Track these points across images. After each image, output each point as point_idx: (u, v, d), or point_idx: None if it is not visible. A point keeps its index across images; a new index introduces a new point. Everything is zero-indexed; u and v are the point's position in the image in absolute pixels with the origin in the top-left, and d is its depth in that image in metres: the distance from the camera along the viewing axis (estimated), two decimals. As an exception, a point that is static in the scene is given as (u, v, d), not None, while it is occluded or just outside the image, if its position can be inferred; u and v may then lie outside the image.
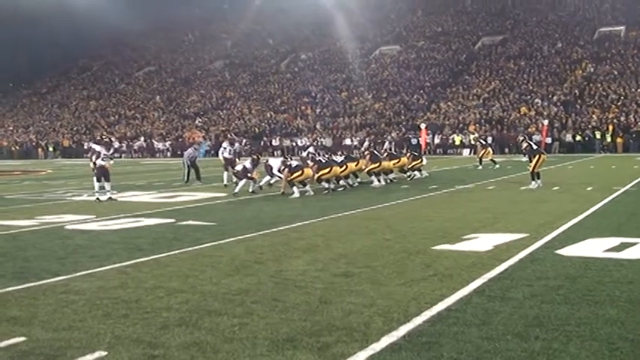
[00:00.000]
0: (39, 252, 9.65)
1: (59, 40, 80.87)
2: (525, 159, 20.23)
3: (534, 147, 19.89)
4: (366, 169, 21.02)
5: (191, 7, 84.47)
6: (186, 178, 23.81)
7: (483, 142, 32.78)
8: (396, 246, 9.35)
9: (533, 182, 18.52)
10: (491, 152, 31.23)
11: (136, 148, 60.89)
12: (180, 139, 58.89)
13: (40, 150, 64.87)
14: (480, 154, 30.36)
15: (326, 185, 19.01)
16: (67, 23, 78.39)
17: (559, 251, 8.64)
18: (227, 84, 72.19)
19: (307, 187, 18.39)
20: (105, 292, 6.83)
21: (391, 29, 73.23)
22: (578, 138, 45.32)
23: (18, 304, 6.39)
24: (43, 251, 9.71)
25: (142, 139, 62.43)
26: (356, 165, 20.73)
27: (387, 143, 25.90)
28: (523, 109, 49.91)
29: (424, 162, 24.47)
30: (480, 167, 28.66)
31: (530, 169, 18.78)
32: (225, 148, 22.36)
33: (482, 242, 9.47)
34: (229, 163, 21.51)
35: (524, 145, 19.72)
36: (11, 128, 73.06)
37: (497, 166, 28.47)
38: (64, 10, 76.21)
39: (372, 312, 5.80)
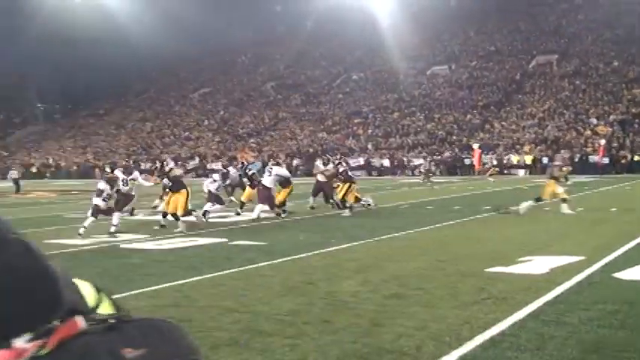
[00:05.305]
0: (95, 270, 9.82)
1: (116, 64, 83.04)
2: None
3: None
4: None
5: (245, 29, 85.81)
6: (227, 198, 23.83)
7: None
8: (449, 268, 9.23)
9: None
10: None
11: (190, 167, 61.77)
12: (234, 160, 59.59)
13: (97, 170, 66.33)
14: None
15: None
16: (124, 47, 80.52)
17: (617, 274, 8.41)
18: (279, 105, 72.83)
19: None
20: (158, 311, 6.90)
21: (443, 49, 73.00)
22: (636, 158, 44.26)
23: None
24: (99, 270, 9.89)
25: (197, 159, 63.33)
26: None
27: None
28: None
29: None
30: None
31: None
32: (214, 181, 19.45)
33: (538, 265, 9.28)
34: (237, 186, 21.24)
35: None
36: (70, 148, 74.93)
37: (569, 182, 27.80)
38: (121, 34, 78.35)
39: (424, 335, 5.73)
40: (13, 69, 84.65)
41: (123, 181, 15.71)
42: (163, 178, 16.40)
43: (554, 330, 5.84)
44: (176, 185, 15.70)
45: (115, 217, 14.53)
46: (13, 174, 39.56)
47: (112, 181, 14.98)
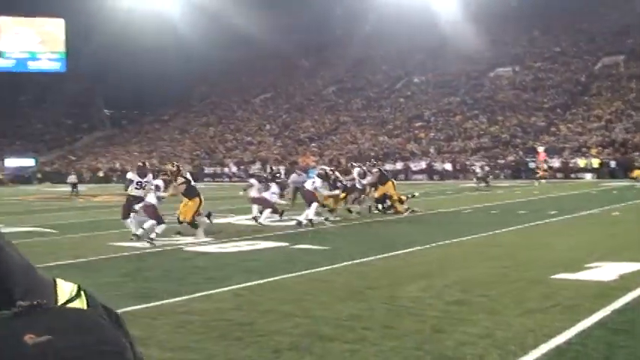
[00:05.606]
0: (159, 273, 9.99)
1: (180, 71, 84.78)
2: None
3: None
4: None
5: (305, 34, 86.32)
6: (291, 203, 23.86)
7: None
8: (514, 274, 9.05)
9: None
10: None
11: (251, 172, 62.37)
12: (295, 164, 59.97)
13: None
14: None
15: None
16: (187, 55, 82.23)
17: (691, 282, 8.10)
18: (340, 109, 72.92)
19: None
20: (221, 314, 6.97)
21: (506, 51, 71.89)
22: None
23: (137, 324, 6.53)
24: (163, 272, 10.05)
25: (259, 163, 63.97)
26: None
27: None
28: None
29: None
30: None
31: None
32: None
33: (606, 271, 9.01)
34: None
35: None
36: (136, 153, 76.63)
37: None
38: (184, 42, 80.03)
39: (487, 343, 5.61)
40: (83, 77, 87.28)
41: (138, 183, 14.86)
42: (176, 181, 15.22)
43: (623, 339, 5.65)
44: (189, 192, 15.12)
45: (148, 223, 13.89)
46: (72, 178, 41.51)
47: (167, 181, 14.84)
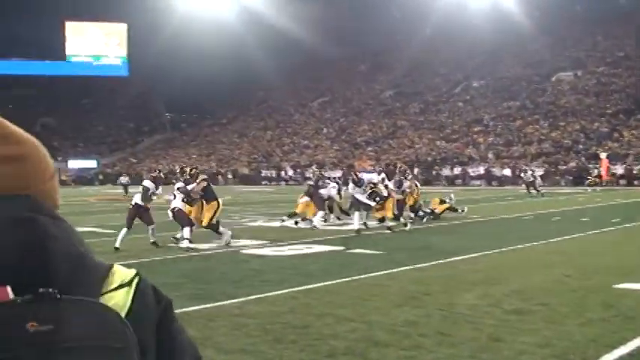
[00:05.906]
0: (217, 274, 10.10)
1: (238, 74, 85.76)
2: None
3: None
4: None
5: (364, 38, 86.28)
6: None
7: None
8: (575, 283, 8.83)
9: None
10: None
11: (308, 175, 62.65)
12: (351, 168, 59.95)
13: (220, 177, 68.47)
14: None
15: None
16: (244, 59, 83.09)
17: None
18: (397, 113, 72.60)
19: None
20: (276, 317, 6.99)
21: (569, 55, 70.41)
22: None
23: (195, 325, 6.60)
24: (220, 274, 10.15)
25: (314, 167, 64.17)
26: None
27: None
28: None
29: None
30: None
31: None
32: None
33: (672, 282, 8.73)
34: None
35: None
36: (195, 156, 77.76)
37: None
38: (241, 46, 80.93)
39: (547, 353, 5.48)
40: (144, 81, 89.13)
41: (151, 193, 14.50)
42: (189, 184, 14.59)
43: (690, 353, 5.45)
44: (207, 195, 14.58)
45: (184, 232, 13.62)
46: (124, 179, 42.89)
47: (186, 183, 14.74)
